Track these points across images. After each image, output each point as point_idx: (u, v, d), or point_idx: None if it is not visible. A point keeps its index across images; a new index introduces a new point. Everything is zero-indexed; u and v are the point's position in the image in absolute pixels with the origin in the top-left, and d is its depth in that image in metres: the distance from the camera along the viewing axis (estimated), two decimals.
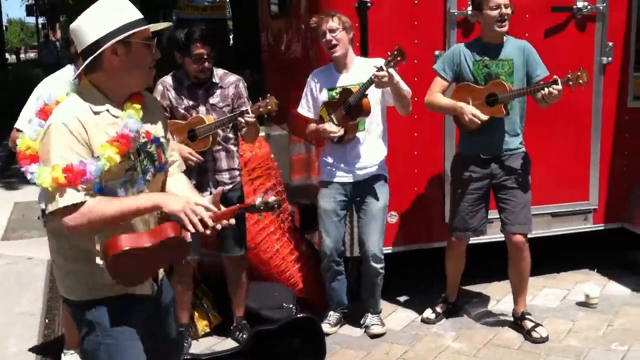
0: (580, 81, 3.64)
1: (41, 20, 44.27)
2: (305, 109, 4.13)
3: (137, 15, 2.26)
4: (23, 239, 6.37)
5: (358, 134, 3.98)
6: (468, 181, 3.99)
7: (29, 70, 24.61)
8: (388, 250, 4.32)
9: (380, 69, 3.69)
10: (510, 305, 4.23)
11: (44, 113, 2.29)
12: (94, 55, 2.19)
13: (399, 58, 3.69)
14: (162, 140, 2.41)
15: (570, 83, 3.65)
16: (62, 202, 2.13)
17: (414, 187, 4.45)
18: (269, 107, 3.76)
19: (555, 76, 3.69)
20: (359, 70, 3.95)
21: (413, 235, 4.51)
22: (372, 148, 4.03)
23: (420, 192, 4.48)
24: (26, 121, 3.38)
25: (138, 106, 2.27)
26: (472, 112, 3.83)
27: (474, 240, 4.23)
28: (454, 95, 3.98)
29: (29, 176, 2.27)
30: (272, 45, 5.85)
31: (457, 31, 4.35)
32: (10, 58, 41.58)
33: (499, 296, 4.59)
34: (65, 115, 2.17)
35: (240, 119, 3.74)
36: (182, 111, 3.85)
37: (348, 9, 4.12)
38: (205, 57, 3.78)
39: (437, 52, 4.34)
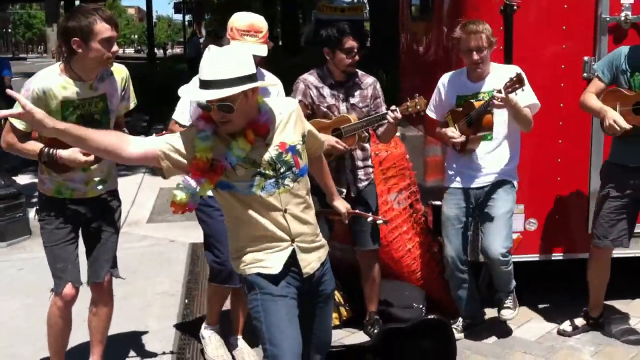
0: None
1: (188, 17, 46.56)
2: (431, 110, 4.08)
3: (213, 75, 2.53)
4: (167, 222, 6.67)
5: (484, 142, 3.91)
6: (610, 189, 3.86)
7: (175, 65, 26.06)
8: (525, 257, 4.20)
9: (498, 91, 3.63)
10: None
11: None
12: None
13: (517, 85, 3.62)
14: (299, 147, 2.67)
15: None
16: None
17: (555, 195, 4.29)
18: (417, 107, 3.70)
19: None
20: (491, 81, 3.87)
21: (553, 244, 4.34)
22: (498, 155, 3.94)
23: (562, 201, 4.31)
24: (180, 112, 3.64)
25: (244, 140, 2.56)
26: (614, 118, 3.66)
27: (618, 253, 4.04)
28: (603, 99, 3.81)
29: None
30: (411, 47, 5.84)
31: (609, 37, 4.15)
32: (158, 53, 44.13)
33: None
34: None
35: (388, 117, 3.74)
36: (324, 109, 3.90)
37: (493, 12, 4.04)
38: (356, 50, 3.83)
39: (586, 58, 4.17)
